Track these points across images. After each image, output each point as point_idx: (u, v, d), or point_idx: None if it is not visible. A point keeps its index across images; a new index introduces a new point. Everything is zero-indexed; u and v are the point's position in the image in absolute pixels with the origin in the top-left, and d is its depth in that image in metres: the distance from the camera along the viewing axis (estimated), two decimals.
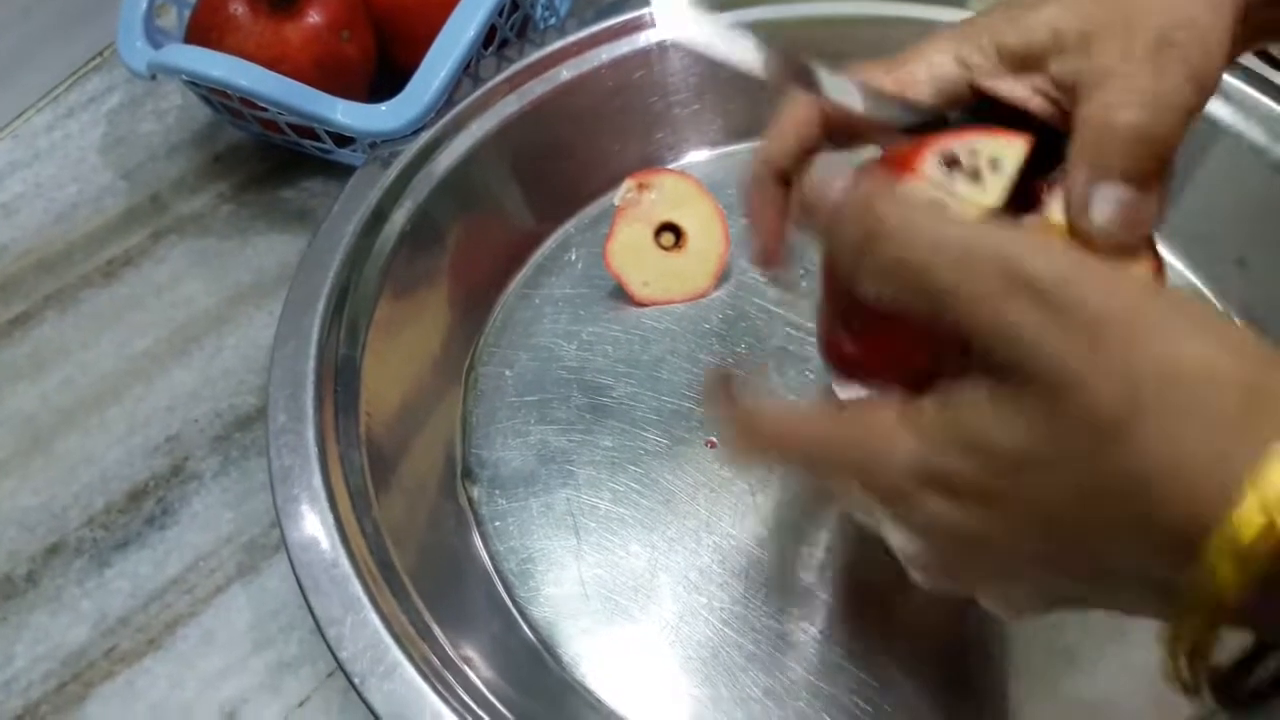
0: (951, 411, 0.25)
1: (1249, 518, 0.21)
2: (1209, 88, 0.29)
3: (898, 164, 0.29)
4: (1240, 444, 0.21)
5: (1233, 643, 0.23)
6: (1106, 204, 0.29)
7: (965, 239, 0.24)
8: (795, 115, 0.34)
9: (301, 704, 0.41)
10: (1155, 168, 0.29)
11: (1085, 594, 0.26)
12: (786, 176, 0.34)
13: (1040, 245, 0.24)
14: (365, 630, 0.35)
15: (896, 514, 0.27)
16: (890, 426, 0.26)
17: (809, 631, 0.41)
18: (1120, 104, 0.29)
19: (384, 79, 0.55)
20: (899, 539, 0.27)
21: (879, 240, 0.25)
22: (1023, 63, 0.31)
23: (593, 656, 0.41)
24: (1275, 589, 0.21)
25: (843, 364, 0.30)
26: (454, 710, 0.34)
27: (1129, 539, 0.23)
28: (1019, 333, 0.23)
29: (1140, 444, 0.22)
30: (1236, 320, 0.49)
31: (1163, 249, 0.50)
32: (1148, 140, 0.29)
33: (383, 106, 0.48)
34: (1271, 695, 0.24)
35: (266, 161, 0.58)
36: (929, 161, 0.29)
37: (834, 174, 0.27)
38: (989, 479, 0.24)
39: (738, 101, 0.54)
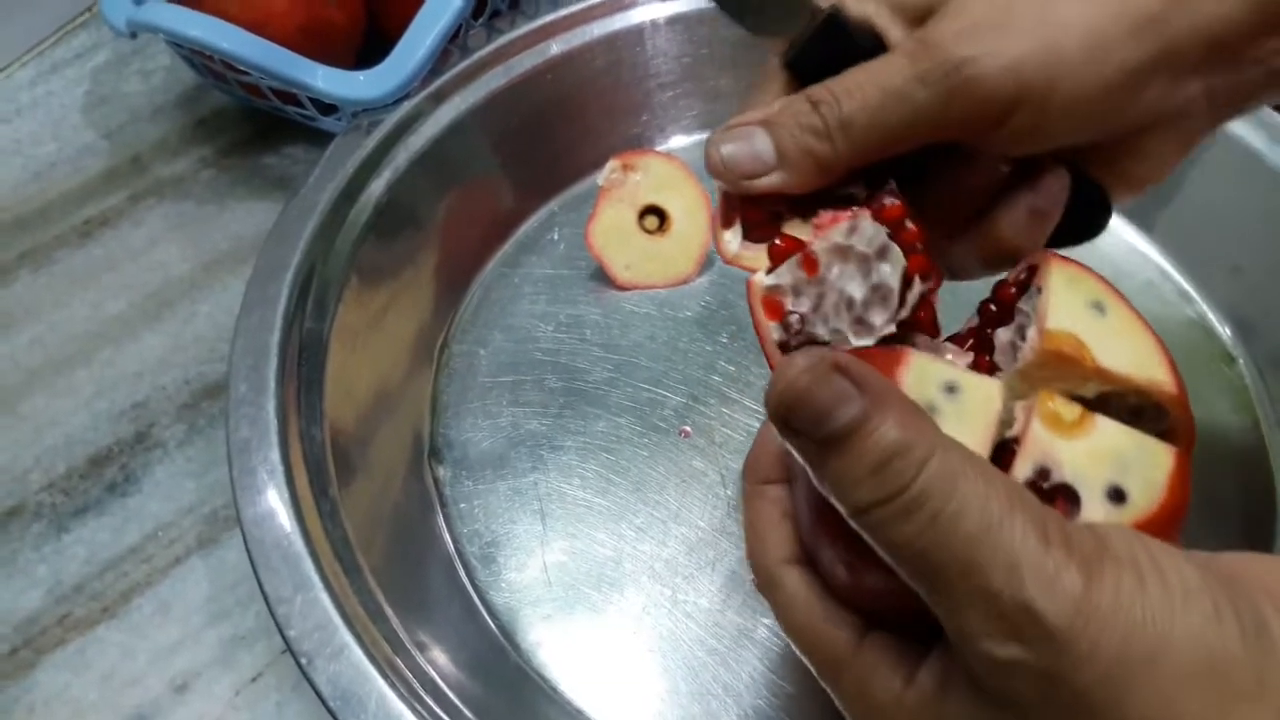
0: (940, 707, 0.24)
1: None
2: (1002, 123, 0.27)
3: (794, 249, 0.29)
4: None
5: None
6: (738, 142, 0.28)
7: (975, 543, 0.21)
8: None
9: (254, 679, 0.40)
10: (821, 155, 0.28)
11: None
12: None
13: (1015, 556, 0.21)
14: (315, 610, 0.34)
15: None
16: (892, 703, 0.25)
17: (772, 628, 0.40)
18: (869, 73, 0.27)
19: (375, 47, 0.54)
20: None
21: (912, 513, 0.22)
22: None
23: (552, 645, 0.40)
24: None
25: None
26: (400, 695, 0.33)
27: None
28: (994, 662, 0.22)
29: None
30: (1223, 330, 0.48)
31: (1158, 254, 0.50)
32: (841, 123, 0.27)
33: (362, 75, 0.47)
34: None
35: (250, 127, 0.57)
36: (818, 244, 0.28)
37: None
38: None
39: (727, 85, 0.53)
